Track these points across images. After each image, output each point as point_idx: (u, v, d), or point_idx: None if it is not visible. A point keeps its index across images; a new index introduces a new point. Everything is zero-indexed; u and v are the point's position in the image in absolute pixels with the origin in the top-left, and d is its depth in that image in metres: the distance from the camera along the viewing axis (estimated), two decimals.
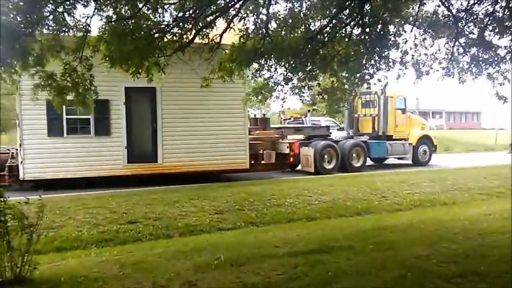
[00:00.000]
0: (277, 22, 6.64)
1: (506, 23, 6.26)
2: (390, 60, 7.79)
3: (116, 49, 5.60)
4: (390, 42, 6.89)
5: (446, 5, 6.63)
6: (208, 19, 5.85)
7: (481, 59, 6.77)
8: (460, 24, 6.73)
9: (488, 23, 6.48)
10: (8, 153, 12.53)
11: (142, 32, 5.47)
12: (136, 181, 12.26)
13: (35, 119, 11.65)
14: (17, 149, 11.92)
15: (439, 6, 7.54)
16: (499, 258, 5.65)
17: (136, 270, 5.47)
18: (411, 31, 7.44)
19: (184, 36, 5.93)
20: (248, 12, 6.24)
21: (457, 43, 7.63)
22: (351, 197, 10.94)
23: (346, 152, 16.31)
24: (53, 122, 11.76)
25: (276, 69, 7.90)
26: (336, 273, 5.16)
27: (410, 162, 18.38)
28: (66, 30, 5.58)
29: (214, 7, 5.82)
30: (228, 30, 6.17)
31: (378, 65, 7.82)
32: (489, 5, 6.98)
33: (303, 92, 8.05)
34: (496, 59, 6.70)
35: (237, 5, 5.95)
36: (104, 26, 5.66)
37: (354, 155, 16.66)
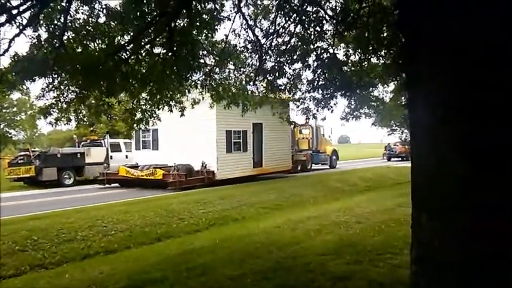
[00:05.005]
0: (75, 32, 5.81)
1: (298, 53, 7.02)
2: (192, 82, 7.81)
3: None
4: (196, 64, 6.85)
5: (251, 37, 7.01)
6: None
7: (275, 85, 7.42)
8: (261, 52, 7.21)
9: (284, 53, 7.15)
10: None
11: None
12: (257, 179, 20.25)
13: (221, 143, 19.00)
14: (204, 162, 18.53)
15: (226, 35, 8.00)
16: (302, 269, 6.13)
17: None
18: (213, 56, 7.62)
19: None
20: (41, 18, 5.25)
21: (247, 71, 8.23)
22: (149, 223, 10.46)
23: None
24: (228, 144, 19.43)
25: (68, 86, 6.97)
26: None
27: (328, 166, 29.42)
28: None
29: None
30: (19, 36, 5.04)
31: (180, 87, 7.75)
32: (274, 37, 7.75)
33: (101, 111, 7.29)
34: (290, 86, 7.47)
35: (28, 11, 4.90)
36: None
37: (307, 161, 27.13)
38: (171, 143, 19.59)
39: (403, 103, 14.13)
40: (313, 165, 28.30)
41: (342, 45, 7.12)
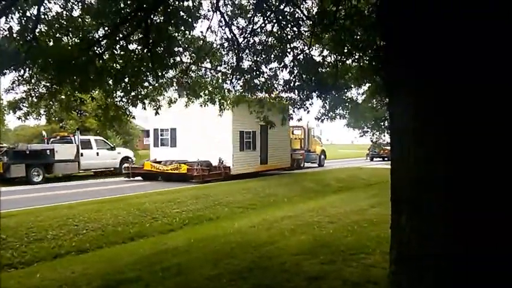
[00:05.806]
0: (48, 25, 5.64)
1: (274, 52, 7.03)
2: (167, 80, 7.72)
3: None
4: (172, 61, 6.76)
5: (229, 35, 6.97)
6: None
7: (252, 84, 7.42)
8: (238, 51, 7.18)
9: (261, 52, 7.15)
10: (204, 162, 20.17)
11: None
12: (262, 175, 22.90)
13: (235, 142, 21.56)
14: (221, 158, 20.76)
15: (202, 32, 7.93)
16: (277, 269, 6.14)
17: None
18: (189, 54, 7.55)
19: None
20: (13, 8, 5.07)
21: (223, 69, 8.18)
22: (122, 222, 10.28)
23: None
24: (241, 143, 21.94)
25: (39, 80, 6.78)
26: None
27: (317, 165, 31.49)
28: None
29: None
30: None
31: (155, 84, 7.65)
32: (252, 36, 7.73)
33: (72, 107, 7.10)
34: (267, 86, 7.48)
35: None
36: None
37: (302, 160, 29.82)
38: (189, 141, 21.86)
39: (374, 105, 14.36)
40: (305, 163, 30.64)
41: (318, 45, 7.18)
